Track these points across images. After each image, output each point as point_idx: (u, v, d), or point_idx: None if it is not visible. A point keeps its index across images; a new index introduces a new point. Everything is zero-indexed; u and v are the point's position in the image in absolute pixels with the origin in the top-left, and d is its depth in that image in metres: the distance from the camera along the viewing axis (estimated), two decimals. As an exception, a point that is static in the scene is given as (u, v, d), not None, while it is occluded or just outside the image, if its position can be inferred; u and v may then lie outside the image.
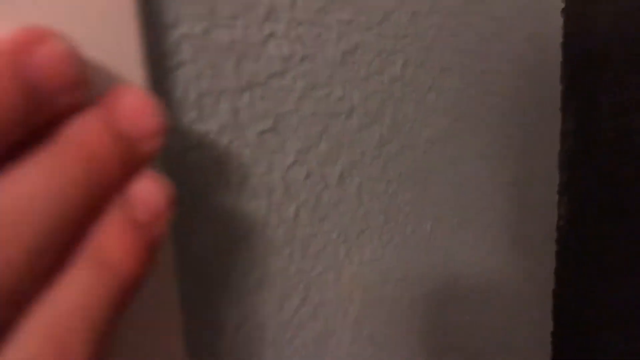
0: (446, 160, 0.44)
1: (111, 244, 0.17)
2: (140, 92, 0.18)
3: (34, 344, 0.15)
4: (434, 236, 0.44)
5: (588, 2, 0.61)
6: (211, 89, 0.24)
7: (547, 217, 0.71)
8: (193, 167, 0.24)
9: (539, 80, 0.58)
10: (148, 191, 0.18)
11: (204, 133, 0.24)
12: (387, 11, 0.34)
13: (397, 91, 0.36)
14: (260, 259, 0.29)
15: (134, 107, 0.18)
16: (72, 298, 0.16)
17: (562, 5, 0.59)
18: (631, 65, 0.58)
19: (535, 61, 0.56)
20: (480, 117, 0.48)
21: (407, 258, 0.41)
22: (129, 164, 0.18)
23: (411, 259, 0.42)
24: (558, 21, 0.61)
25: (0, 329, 0.15)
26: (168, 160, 0.23)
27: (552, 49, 0.61)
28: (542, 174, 0.66)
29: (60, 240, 0.16)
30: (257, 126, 0.27)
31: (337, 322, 0.35)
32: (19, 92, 0.15)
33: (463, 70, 0.44)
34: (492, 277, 0.56)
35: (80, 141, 0.17)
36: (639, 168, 0.61)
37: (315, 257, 0.32)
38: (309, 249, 0.32)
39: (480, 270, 0.53)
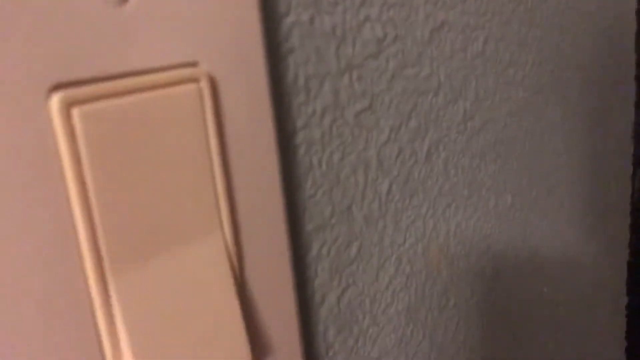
0: (524, 134, 0.44)
1: None
2: None
3: None
4: (514, 208, 0.45)
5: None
6: (316, 72, 0.26)
7: (622, 189, 0.69)
8: (302, 146, 0.26)
9: (613, 50, 0.58)
10: None
11: (311, 114, 0.26)
12: (469, -12, 0.35)
13: (479, 67, 0.37)
14: (358, 232, 0.30)
15: None
16: None
17: (637, -29, 0.58)
18: None
19: (609, 31, 0.55)
20: (557, 90, 0.48)
21: (490, 231, 0.42)
22: None
23: (493, 232, 0.43)
24: (632, -12, 0.59)
25: None
26: (281, 140, 0.25)
27: (627, 18, 0.59)
28: (616, 146, 0.65)
29: None
30: (355, 106, 0.28)
31: (426, 293, 0.37)
32: None
33: (540, 44, 0.44)
34: (568, 249, 0.56)
35: None
36: None
37: (406, 230, 0.34)
38: (400, 222, 0.33)
39: (558, 243, 0.54)
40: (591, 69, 0.53)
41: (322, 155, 0.27)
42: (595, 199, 0.61)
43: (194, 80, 0.19)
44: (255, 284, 0.24)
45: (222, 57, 0.20)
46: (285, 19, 0.24)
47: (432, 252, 0.36)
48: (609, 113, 0.60)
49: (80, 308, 0.17)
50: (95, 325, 0.18)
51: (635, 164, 0.70)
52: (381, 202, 0.32)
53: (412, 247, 0.35)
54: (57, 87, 0.16)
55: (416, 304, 0.36)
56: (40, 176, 0.16)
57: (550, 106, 0.47)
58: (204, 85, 0.19)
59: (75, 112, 0.16)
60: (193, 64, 0.19)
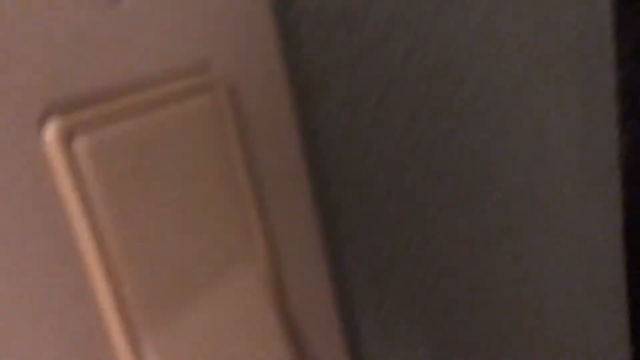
0: (522, 113, 0.42)
1: None
2: None
3: None
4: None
5: None
6: (329, 64, 0.23)
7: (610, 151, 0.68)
8: (324, 148, 0.23)
9: (591, 6, 0.56)
10: None
11: (329, 111, 0.23)
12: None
13: (482, 43, 0.35)
14: (387, 237, 0.28)
15: None
16: None
17: None
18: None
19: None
20: (550, 62, 0.46)
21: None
22: None
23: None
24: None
25: None
26: (303, 140, 0.21)
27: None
28: (600, 105, 0.64)
29: None
30: (371, 99, 0.26)
31: (452, 294, 0.34)
32: None
33: (535, 13, 0.42)
34: (565, 233, 0.55)
35: None
36: None
37: (430, 229, 0.31)
38: (424, 221, 0.31)
39: (556, 229, 0.52)
40: (573, 30, 0.52)
41: (344, 156, 0.24)
42: (585, 166, 0.59)
43: (208, 88, 0.16)
44: (297, 307, 0.21)
45: (235, 56, 0.17)
46: (292, 7, 0.21)
47: (453, 251, 0.34)
48: (592, 73, 0.59)
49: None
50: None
51: (621, 120, 0.69)
52: (405, 201, 0.29)
53: (436, 247, 0.32)
54: (50, 112, 0.13)
55: (444, 306, 0.33)
56: (43, 227, 0.12)
57: (547, 81, 0.45)
58: (220, 92, 0.16)
59: (78, 142, 0.13)
60: (204, 68, 0.16)
